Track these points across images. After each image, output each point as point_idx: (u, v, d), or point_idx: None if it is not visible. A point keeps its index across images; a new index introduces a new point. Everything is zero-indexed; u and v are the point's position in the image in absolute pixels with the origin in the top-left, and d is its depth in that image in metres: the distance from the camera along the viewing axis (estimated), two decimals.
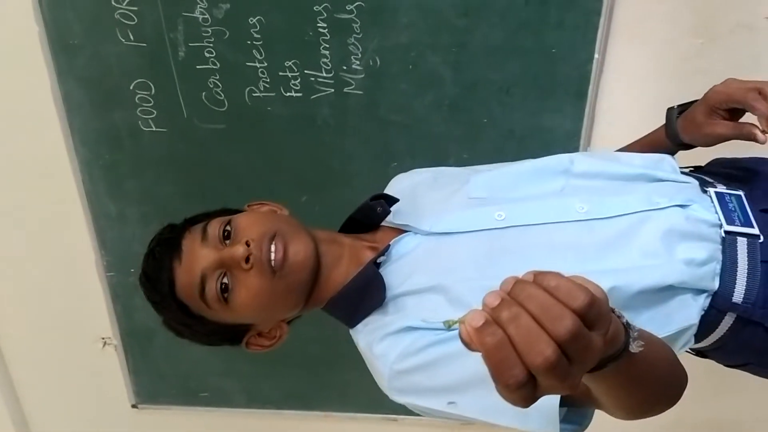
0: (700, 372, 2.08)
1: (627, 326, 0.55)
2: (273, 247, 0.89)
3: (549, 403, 0.78)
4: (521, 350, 0.45)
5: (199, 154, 1.77)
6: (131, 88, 1.69)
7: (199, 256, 0.91)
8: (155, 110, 1.72)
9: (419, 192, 1.02)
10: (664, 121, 1.77)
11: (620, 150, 1.14)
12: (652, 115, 1.73)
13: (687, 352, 0.96)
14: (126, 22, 1.60)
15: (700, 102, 0.98)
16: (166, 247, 0.94)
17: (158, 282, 0.92)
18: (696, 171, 1.04)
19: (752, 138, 0.91)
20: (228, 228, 0.92)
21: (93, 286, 2.00)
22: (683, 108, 1.03)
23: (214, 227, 0.92)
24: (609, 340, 0.50)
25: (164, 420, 2.30)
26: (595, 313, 0.46)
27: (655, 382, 0.71)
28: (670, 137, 1.04)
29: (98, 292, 2.02)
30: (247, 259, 0.88)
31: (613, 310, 0.52)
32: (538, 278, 0.47)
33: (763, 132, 0.88)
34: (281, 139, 1.75)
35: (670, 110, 1.05)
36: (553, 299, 0.45)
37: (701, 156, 1.12)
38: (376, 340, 0.90)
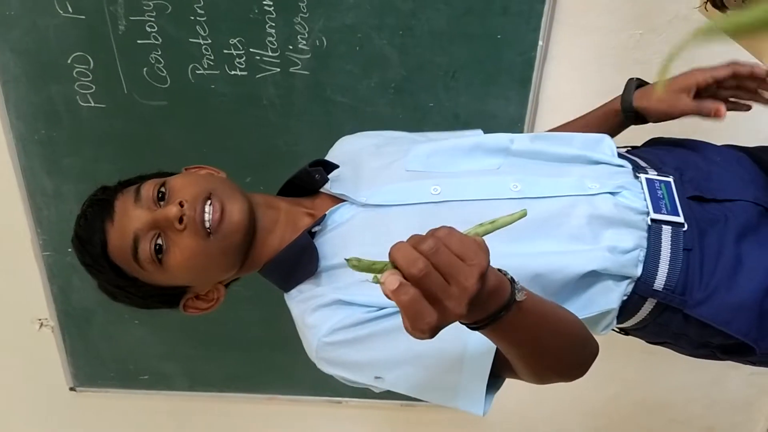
0: (635, 355, 2.16)
1: (512, 281, 0.65)
2: (208, 208, 0.89)
3: (476, 385, 0.83)
4: (402, 265, 0.57)
5: (139, 131, 1.73)
6: (69, 61, 1.64)
7: (132, 216, 0.89)
8: (94, 85, 1.67)
9: (360, 159, 1.02)
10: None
11: (573, 121, 1.18)
12: (594, 103, 1.77)
13: (612, 330, 0.99)
14: None
15: (678, 77, 1.03)
16: (98, 208, 0.92)
17: (90, 244, 0.91)
18: (633, 151, 1.06)
19: (712, 113, 0.99)
20: (162, 189, 0.91)
21: (29, 266, 1.94)
22: (643, 83, 1.10)
23: (148, 188, 0.91)
24: (493, 290, 0.62)
25: (103, 403, 2.26)
26: (457, 244, 0.59)
27: (553, 334, 0.75)
28: (623, 103, 1.09)
29: (34, 271, 1.96)
30: (180, 220, 0.87)
31: (500, 270, 0.65)
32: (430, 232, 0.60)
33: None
34: (225, 118, 1.73)
35: (630, 80, 1.11)
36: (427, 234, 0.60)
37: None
38: (309, 311, 0.90)
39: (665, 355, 2.14)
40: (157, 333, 2.08)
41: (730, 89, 1.03)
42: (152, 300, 0.96)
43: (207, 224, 0.88)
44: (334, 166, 1.01)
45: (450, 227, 0.60)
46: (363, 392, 2.35)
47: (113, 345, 2.11)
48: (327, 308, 0.89)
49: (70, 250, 1.88)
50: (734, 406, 2.27)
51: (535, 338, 0.72)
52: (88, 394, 2.23)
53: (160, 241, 0.89)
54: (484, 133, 1.09)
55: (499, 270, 0.65)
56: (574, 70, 1.72)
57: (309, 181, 1.00)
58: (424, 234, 0.59)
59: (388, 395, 2.36)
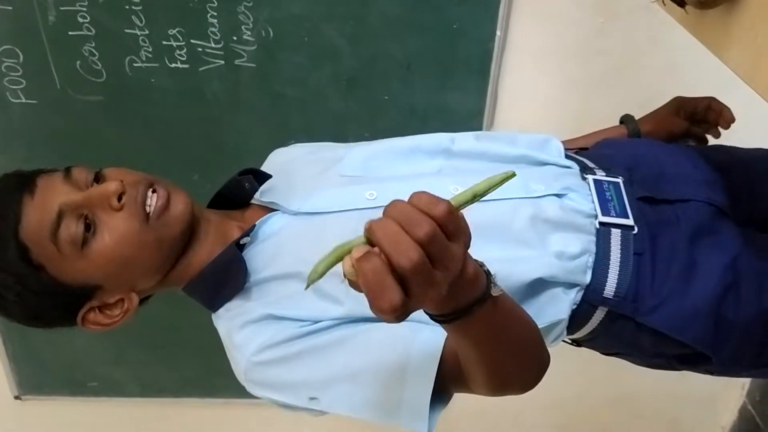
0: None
1: (488, 273, 0.60)
2: (151, 194, 0.82)
3: (419, 400, 0.76)
4: (390, 253, 0.50)
5: (74, 128, 1.63)
6: None
7: (59, 191, 0.80)
8: (24, 80, 1.56)
9: (293, 168, 0.96)
10: (565, 101, 1.76)
11: (573, 139, 1.14)
12: (554, 94, 1.73)
13: (563, 341, 0.94)
14: None
15: (664, 105, 1.13)
16: (15, 181, 0.82)
17: (1, 217, 0.79)
18: (581, 152, 1.02)
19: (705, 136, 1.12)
20: (98, 176, 0.83)
21: None
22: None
23: (81, 171, 0.82)
24: (470, 279, 0.56)
25: (51, 412, 2.16)
26: (454, 223, 0.52)
27: (517, 339, 0.70)
28: (631, 133, 1.10)
29: None
30: (119, 198, 0.79)
31: (476, 260, 0.58)
32: (410, 197, 0.53)
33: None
34: (167, 114, 1.63)
35: (626, 115, 1.14)
36: (415, 209, 0.51)
37: None
38: (236, 328, 0.83)
39: None
40: (105, 337, 1.97)
41: (699, 120, 1.11)
42: (47, 302, 0.83)
43: (148, 208, 0.81)
44: (267, 176, 0.94)
45: (440, 200, 0.52)
46: None
47: (59, 350, 2.02)
48: (256, 324, 0.82)
49: None
50: (699, 400, 2.25)
51: (501, 339, 0.66)
52: (34, 403, 2.13)
53: (89, 222, 0.79)
54: (446, 129, 1.02)
55: (475, 260, 0.58)
56: (534, 60, 1.66)
57: (238, 192, 0.94)
58: (415, 203, 0.52)
59: None
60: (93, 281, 0.83)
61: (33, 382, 2.09)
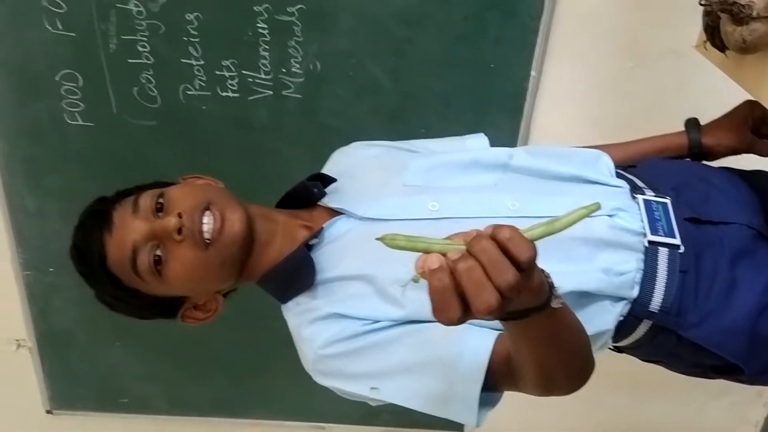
0: (619, 384, 2.14)
1: (551, 285, 0.63)
2: (206, 219, 0.89)
3: (468, 396, 0.82)
4: (471, 296, 0.54)
5: (127, 151, 1.71)
6: (57, 78, 1.62)
7: (130, 228, 0.90)
8: (82, 103, 1.65)
9: (358, 172, 1.03)
10: (594, 141, 1.82)
11: (623, 145, 1.17)
12: (583, 135, 1.78)
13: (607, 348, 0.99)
14: (54, 9, 1.53)
15: (732, 111, 1.10)
16: (95, 219, 0.92)
17: (88, 255, 0.91)
18: (630, 170, 1.05)
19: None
20: (161, 200, 0.91)
21: (7, 285, 1.90)
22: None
23: (146, 199, 0.91)
24: (534, 289, 0.59)
25: (81, 427, 2.20)
26: (533, 266, 0.56)
27: (569, 347, 0.75)
28: (692, 142, 1.10)
29: (13, 291, 1.91)
30: (179, 231, 0.88)
31: (542, 270, 0.62)
32: (495, 231, 0.55)
33: None
34: (216, 140, 1.71)
35: (690, 120, 1.13)
36: (501, 253, 0.54)
37: None
38: (305, 324, 0.91)
39: (649, 385, 2.13)
40: (137, 355, 2.04)
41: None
42: (150, 310, 0.97)
43: (206, 235, 0.89)
44: (332, 180, 1.01)
45: (527, 244, 0.55)
46: (347, 417, 2.29)
47: (92, 367, 2.07)
48: (323, 321, 0.90)
49: (52, 270, 1.86)
50: None
51: (554, 345, 0.71)
52: (65, 417, 2.18)
53: (158, 252, 0.89)
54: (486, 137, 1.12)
55: (542, 270, 0.62)
56: (565, 101, 1.73)
57: (307, 195, 1.00)
58: (502, 243, 0.54)
59: (371, 419, 2.29)
60: (179, 294, 0.96)
61: (65, 396, 2.14)
